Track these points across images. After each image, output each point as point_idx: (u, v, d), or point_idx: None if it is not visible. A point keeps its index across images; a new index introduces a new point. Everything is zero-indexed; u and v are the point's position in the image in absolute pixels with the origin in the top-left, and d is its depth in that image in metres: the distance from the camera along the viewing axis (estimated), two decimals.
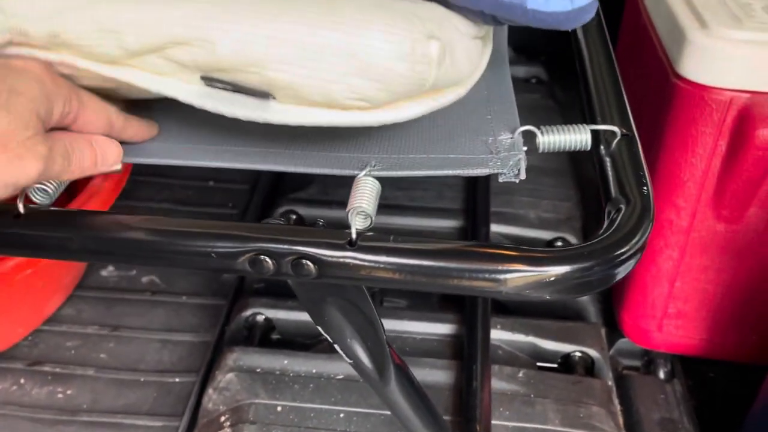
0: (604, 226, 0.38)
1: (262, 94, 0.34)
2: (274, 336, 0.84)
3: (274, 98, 0.35)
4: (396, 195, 0.99)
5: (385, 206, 0.98)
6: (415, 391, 0.51)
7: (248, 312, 0.84)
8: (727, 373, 0.88)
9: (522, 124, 0.43)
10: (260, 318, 0.84)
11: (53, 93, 0.35)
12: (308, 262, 0.36)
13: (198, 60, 0.34)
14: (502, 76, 0.50)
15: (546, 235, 0.92)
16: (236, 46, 0.33)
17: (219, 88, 0.35)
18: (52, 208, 0.38)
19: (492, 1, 0.37)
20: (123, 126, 0.41)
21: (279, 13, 0.33)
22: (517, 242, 0.94)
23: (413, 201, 0.97)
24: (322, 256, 0.36)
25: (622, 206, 0.39)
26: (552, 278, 0.35)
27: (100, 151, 0.39)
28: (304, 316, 0.83)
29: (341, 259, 0.36)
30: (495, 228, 0.92)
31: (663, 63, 0.70)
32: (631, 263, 0.37)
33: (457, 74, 0.37)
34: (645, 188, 0.40)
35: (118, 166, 0.40)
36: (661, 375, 0.84)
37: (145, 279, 0.96)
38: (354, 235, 0.36)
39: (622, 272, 0.37)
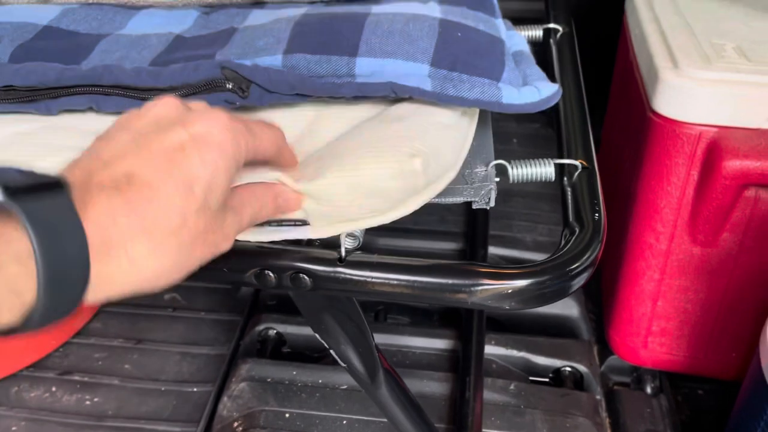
0: (560, 246, 0.44)
1: (302, 223, 0.43)
2: (285, 349, 0.91)
3: (309, 224, 0.43)
4: (402, 218, 1.05)
5: (391, 229, 1.04)
6: (405, 395, 0.57)
7: (261, 327, 0.91)
8: (715, 390, 0.92)
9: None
10: (272, 332, 0.91)
11: (238, 154, 0.36)
12: (304, 276, 0.43)
13: None
14: (483, 115, 0.56)
15: (541, 257, 0.97)
16: None
17: (266, 225, 0.43)
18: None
19: (474, 101, 0.46)
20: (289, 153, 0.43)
21: (302, 175, 0.41)
22: (514, 264, 0.99)
23: (417, 224, 1.04)
24: (316, 271, 0.42)
25: (577, 230, 0.45)
26: (510, 291, 0.41)
27: (282, 200, 0.41)
28: (312, 331, 0.89)
29: (332, 274, 0.42)
30: (493, 250, 0.98)
31: (642, 98, 0.76)
32: (582, 277, 0.43)
33: (444, 168, 0.44)
34: (597, 215, 0.46)
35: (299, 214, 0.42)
36: (648, 390, 0.88)
37: (166, 296, 1.04)
38: (343, 253, 0.42)
39: (575, 285, 0.43)
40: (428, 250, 1.00)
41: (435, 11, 0.51)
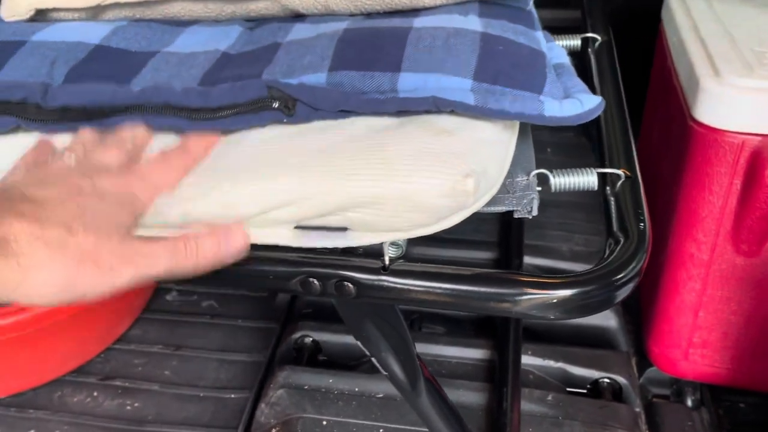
0: (605, 256, 0.44)
1: (341, 229, 0.43)
2: (321, 357, 0.91)
3: (349, 229, 0.43)
4: None
5: (426, 238, 1.04)
6: (445, 404, 0.57)
7: (297, 334, 0.92)
8: (758, 404, 0.90)
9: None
10: (308, 340, 0.91)
11: (129, 202, 0.41)
12: (349, 284, 0.43)
13: (294, 216, 0.43)
14: (524, 124, 0.56)
15: (577, 267, 0.97)
16: (324, 200, 0.42)
17: (307, 229, 0.44)
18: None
19: (517, 114, 0.46)
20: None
21: (350, 173, 0.42)
22: (551, 274, 0.99)
23: (452, 233, 1.02)
24: (360, 279, 0.43)
25: (621, 240, 0.45)
26: (555, 300, 0.41)
27: (224, 241, 0.41)
28: (348, 339, 0.90)
29: (376, 282, 0.43)
30: (528, 260, 0.97)
31: (682, 106, 0.76)
32: (628, 288, 0.43)
33: (490, 185, 0.45)
34: (642, 224, 0.45)
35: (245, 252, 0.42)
36: (689, 403, 0.87)
37: (204, 303, 1.05)
38: (387, 262, 0.43)
39: (620, 296, 0.43)
40: (463, 260, 1.00)
41: (476, 24, 0.52)
